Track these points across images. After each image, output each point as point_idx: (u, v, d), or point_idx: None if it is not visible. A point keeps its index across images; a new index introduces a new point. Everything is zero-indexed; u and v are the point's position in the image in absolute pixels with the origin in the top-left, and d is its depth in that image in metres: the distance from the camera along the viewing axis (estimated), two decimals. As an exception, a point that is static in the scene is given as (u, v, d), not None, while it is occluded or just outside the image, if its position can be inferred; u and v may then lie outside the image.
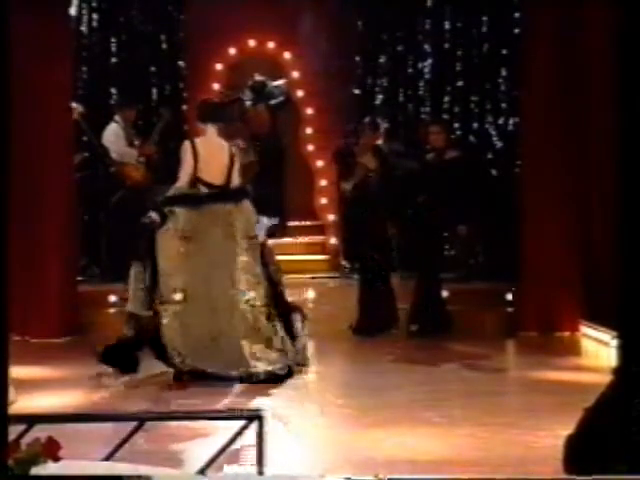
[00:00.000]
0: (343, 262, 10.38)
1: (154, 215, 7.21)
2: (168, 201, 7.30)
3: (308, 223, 11.45)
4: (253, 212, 7.42)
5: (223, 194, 7.33)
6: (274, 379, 7.01)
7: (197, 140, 7.43)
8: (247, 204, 7.39)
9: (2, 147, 2.16)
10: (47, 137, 8.77)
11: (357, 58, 11.15)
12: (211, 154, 7.33)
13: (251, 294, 7.19)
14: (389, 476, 2.76)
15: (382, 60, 11.09)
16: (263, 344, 7.15)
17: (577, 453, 2.41)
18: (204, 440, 4.84)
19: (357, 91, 11.16)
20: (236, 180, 7.44)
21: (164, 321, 7.06)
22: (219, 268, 7.18)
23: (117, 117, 9.94)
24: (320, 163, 11.36)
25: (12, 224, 8.27)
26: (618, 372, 2.46)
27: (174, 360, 7.03)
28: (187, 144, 7.36)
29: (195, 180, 7.30)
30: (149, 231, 7.20)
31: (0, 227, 2.13)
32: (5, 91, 2.15)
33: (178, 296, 7.08)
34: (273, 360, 7.12)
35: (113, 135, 9.81)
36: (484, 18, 10.60)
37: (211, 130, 7.42)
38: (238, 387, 7.16)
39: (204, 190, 7.31)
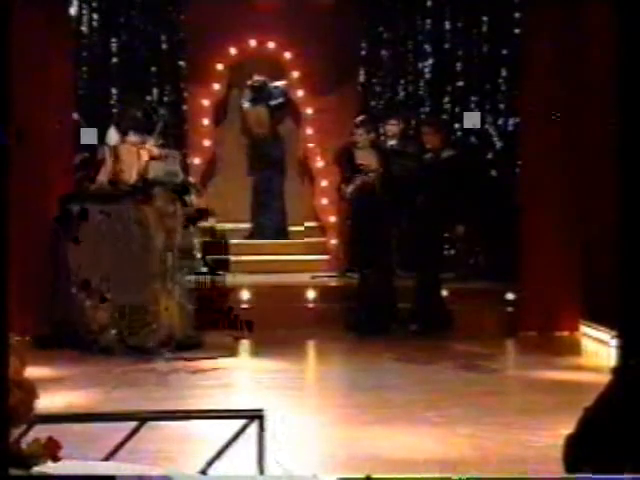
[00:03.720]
0: (344, 262, 10.38)
1: (74, 210, 8.29)
2: (88, 198, 8.40)
3: (309, 224, 11.46)
4: (168, 198, 8.37)
5: (137, 190, 8.37)
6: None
7: (117, 144, 8.59)
8: (159, 191, 8.37)
9: (2, 147, 2.16)
10: (47, 137, 8.76)
11: (357, 58, 11.15)
12: (128, 157, 8.51)
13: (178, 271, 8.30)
14: (387, 475, 2.76)
15: (383, 60, 11.09)
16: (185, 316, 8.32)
17: (577, 452, 2.41)
18: (205, 440, 4.84)
19: (357, 91, 11.17)
20: (151, 174, 8.49)
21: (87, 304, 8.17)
22: (144, 252, 8.19)
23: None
24: (320, 163, 11.37)
25: (12, 223, 8.25)
26: (617, 371, 2.46)
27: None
28: (106, 148, 8.60)
29: (113, 180, 8.47)
30: (67, 225, 8.31)
31: (0, 227, 2.13)
32: (6, 91, 2.15)
33: (96, 283, 8.16)
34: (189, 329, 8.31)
35: (117, 136, 9.77)
36: (484, 18, 10.60)
37: (130, 136, 8.62)
38: (238, 386, 7.18)
39: (121, 188, 8.43)
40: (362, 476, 2.43)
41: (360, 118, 9.53)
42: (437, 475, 4.34)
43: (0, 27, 2.17)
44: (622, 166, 3.02)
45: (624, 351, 2.76)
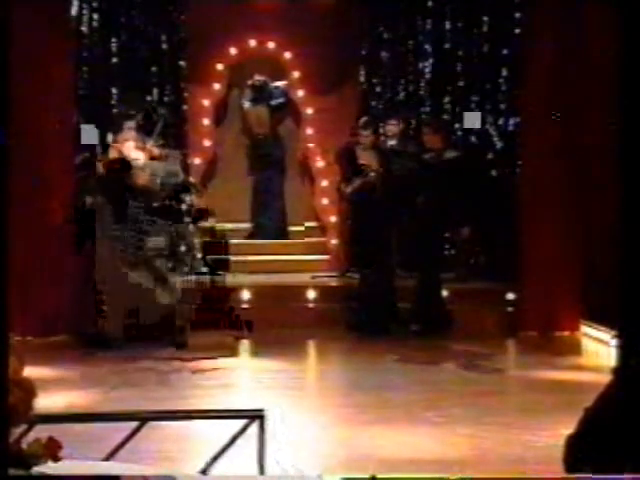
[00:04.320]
0: (345, 262, 10.37)
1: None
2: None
3: (309, 224, 11.45)
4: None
5: None
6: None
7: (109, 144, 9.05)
8: None
9: (2, 147, 2.15)
10: (49, 137, 8.76)
11: (357, 58, 11.15)
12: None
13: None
14: (388, 475, 2.76)
15: (383, 60, 11.08)
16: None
17: (577, 452, 2.41)
18: (205, 439, 4.85)
19: (357, 91, 11.17)
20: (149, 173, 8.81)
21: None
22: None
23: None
24: (321, 163, 11.36)
25: (13, 223, 8.25)
26: (617, 371, 2.47)
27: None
28: (113, 147, 8.97)
29: None
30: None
31: (0, 226, 2.13)
32: (4, 91, 2.15)
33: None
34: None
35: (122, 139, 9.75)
36: (484, 18, 10.58)
37: (124, 137, 8.99)
38: (238, 386, 7.18)
39: None
40: (367, 476, 2.44)
41: (364, 119, 9.54)
42: (441, 475, 4.34)
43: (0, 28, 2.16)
44: (623, 166, 3.02)
45: (624, 351, 2.76)
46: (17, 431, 2.41)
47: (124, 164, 8.80)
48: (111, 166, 8.69)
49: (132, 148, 9.28)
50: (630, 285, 2.83)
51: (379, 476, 2.43)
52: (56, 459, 2.44)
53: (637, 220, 2.90)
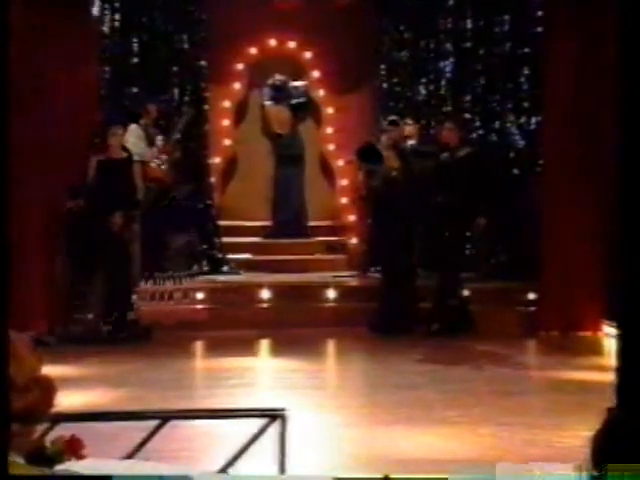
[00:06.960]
0: (365, 262, 10.36)
1: None
2: None
3: (328, 223, 11.44)
4: None
5: None
6: None
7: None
8: None
9: (2, 149, 2.14)
10: (73, 135, 8.79)
11: (377, 57, 11.14)
12: None
13: None
14: (406, 475, 2.75)
15: (403, 59, 11.06)
16: None
17: (603, 453, 2.40)
18: (226, 438, 4.85)
19: (377, 90, 11.16)
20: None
21: None
22: None
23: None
24: (341, 162, 11.35)
25: (32, 219, 8.31)
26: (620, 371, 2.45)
27: None
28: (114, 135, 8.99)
29: None
30: None
31: (2, 224, 2.12)
32: (4, 92, 2.14)
33: None
34: None
35: (134, 136, 9.80)
36: (505, 17, 10.54)
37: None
38: (258, 385, 7.18)
39: None
40: (380, 476, 2.43)
41: (392, 117, 9.56)
42: (457, 475, 4.32)
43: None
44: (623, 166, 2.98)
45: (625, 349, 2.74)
46: (40, 428, 2.42)
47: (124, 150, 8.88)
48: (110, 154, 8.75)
49: (133, 141, 9.36)
50: (631, 284, 2.80)
51: (393, 476, 2.42)
52: (79, 457, 2.46)
53: (637, 219, 2.87)
